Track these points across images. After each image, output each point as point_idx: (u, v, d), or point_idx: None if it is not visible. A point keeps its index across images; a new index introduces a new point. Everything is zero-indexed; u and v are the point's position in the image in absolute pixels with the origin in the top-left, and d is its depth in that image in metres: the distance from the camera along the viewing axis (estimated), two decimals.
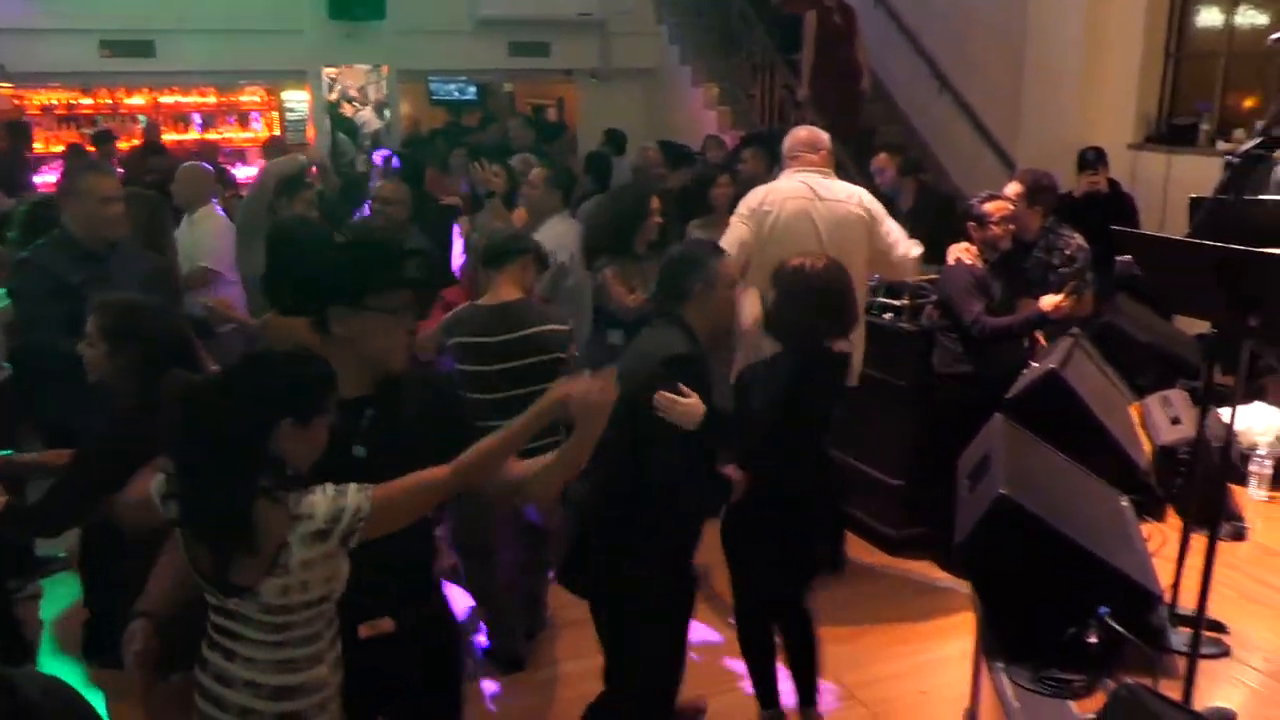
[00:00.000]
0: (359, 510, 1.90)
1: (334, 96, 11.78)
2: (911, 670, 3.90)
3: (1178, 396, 4.29)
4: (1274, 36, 2.77)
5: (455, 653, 2.47)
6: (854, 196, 4.22)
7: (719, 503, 3.22)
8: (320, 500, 1.89)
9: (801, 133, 4.37)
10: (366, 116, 12.25)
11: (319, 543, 1.88)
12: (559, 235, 4.58)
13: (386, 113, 11.59)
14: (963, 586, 3.96)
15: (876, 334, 4.52)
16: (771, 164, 5.58)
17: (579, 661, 3.74)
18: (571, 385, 2.07)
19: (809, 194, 4.15)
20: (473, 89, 14.09)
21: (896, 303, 4.69)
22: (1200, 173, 5.26)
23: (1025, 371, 4.10)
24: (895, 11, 9.12)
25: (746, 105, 9.16)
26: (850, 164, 7.71)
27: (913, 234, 5.16)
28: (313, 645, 1.97)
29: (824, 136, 4.33)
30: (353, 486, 1.92)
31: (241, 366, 2.05)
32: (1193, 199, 3.41)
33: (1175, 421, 4.05)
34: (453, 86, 14.24)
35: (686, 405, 2.74)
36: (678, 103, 10.18)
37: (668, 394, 2.73)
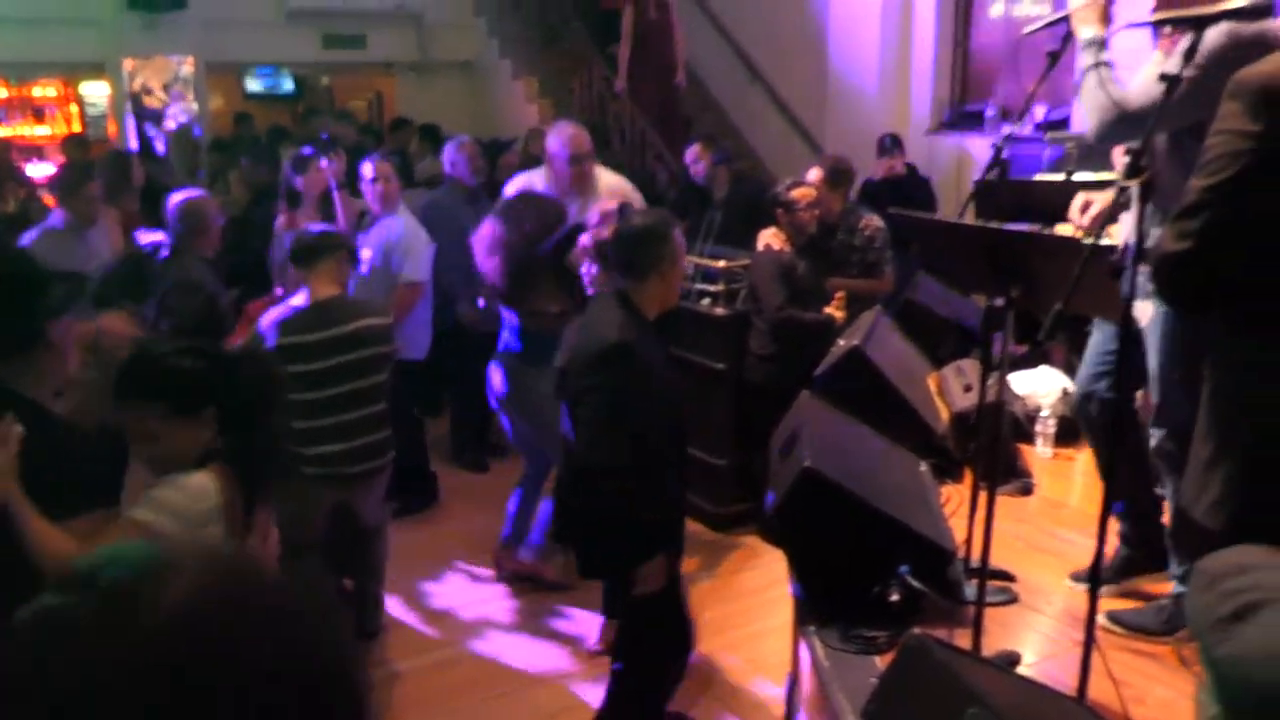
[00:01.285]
0: None
1: (137, 88, 11.19)
2: (740, 641, 4.05)
3: (969, 365, 4.61)
4: (1027, 29, 3.00)
5: None
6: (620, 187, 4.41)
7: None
8: None
9: (568, 129, 4.50)
10: (174, 110, 11.68)
11: None
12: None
13: (194, 105, 11.08)
14: (785, 558, 4.15)
15: (694, 319, 4.67)
16: None
17: (410, 661, 3.74)
18: None
19: None
20: (290, 82, 13.65)
21: (712, 288, 4.85)
22: (988, 155, 5.66)
23: (832, 349, 4.32)
24: (707, 5, 9.34)
25: (567, 98, 9.22)
26: (667, 154, 7.89)
27: (726, 221, 5.35)
28: None
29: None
30: None
31: None
32: (976, 181, 3.66)
33: (968, 389, 4.35)
34: (268, 79, 13.76)
35: None
36: (499, 96, 10.15)
37: None
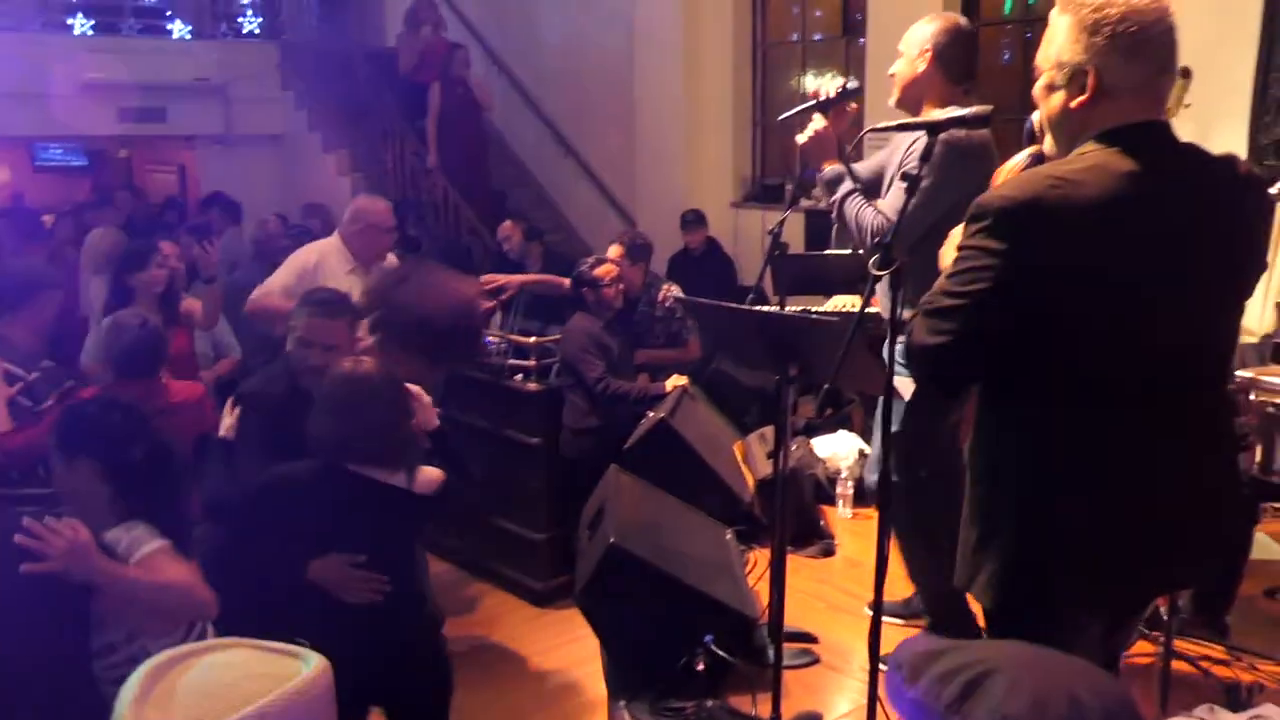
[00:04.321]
0: None
1: None
2: (557, 718, 4.05)
3: (772, 433, 4.80)
4: (782, 116, 3.25)
5: None
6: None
7: None
8: None
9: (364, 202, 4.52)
10: None
11: None
12: None
13: None
14: None
15: (507, 395, 4.70)
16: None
17: None
18: None
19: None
20: (82, 156, 13.08)
21: (525, 363, 4.89)
22: (788, 226, 5.95)
23: (642, 421, 4.43)
24: (517, 80, 9.52)
25: (380, 172, 9.17)
26: (481, 227, 7.95)
27: (538, 297, 5.43)
28: None
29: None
30: None
31: None
32: (765, 259, 3.83)
33: (770, 456, 4.53)
34: (59, 152, 13.14)
35: None
36: (309, 169, 9.98)
37: None
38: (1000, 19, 6.71)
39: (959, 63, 3.11)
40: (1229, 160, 1.88)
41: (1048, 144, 1.91)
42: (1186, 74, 4.48)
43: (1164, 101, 1.83)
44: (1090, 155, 1.77)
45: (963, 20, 3.14)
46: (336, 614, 2.46)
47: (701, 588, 3.13)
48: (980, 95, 5.99)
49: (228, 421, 2.76)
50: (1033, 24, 6.12)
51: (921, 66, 3.09)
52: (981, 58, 6.68)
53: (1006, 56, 6.88)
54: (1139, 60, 1.75)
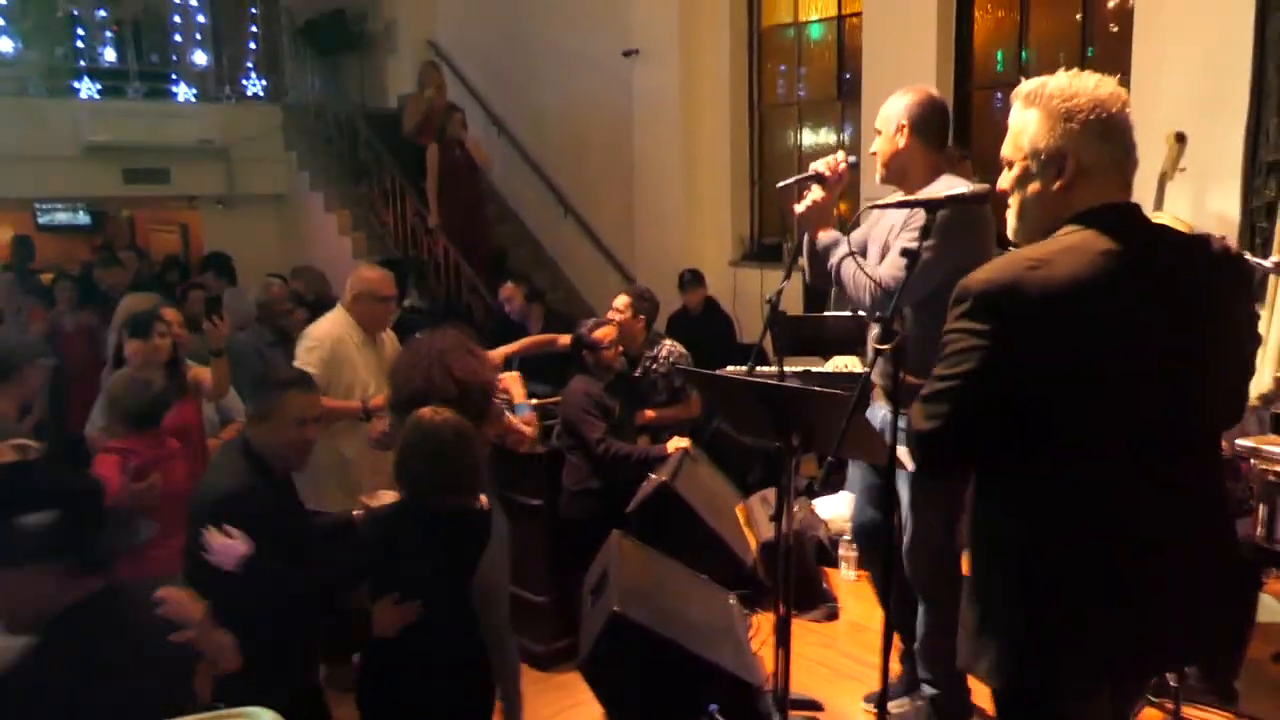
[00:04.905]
0: None
1: None
2: None
3: (774, 495, 4.80)
4: (780, 184, 3.31)
5: None
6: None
7: None
8: None
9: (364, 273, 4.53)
10: None
11: None
12: None
13: None
14: None
15: (507, 456, 4.70)
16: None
17: None
18: None
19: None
20: (85, 215, 13.17)
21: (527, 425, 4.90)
22: (788, 289, 6.00)
23: (644, 484, 4.42)
24: (518, 141, 9.64)
25: (381, 231, 9.24)
26: (482, 287, 8.00)
27: (540, 357, 5.46)
28: None
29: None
30: None
31: None
32: (765, 325, 3.84)
33: (774, 519, 4.52)
34: (62, 212, 13.24)
35: None
36: (311, 229, 10.07)
37: None
38: (993, 80, 6.82)
39: (935, 131, 3.18)
40: (1203, 238, 1.96)
41: (1014, 232, 1.98)
42: (1181, 138, 4.56)
43: (1130, 184, 1.91)
44: (1067, 237, 1.84)
45: (932, 90, 3.21)
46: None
47: (705, 655, 3.12)
48: (976, 156, 6.11)
49: (226, 543, 2.66)
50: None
51: (901, 141, 3.16)
52: (976, 118, 6.84)
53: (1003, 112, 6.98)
54: (1110, 143, 1.85)
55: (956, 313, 1.82)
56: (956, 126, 6.71)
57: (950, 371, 1.80)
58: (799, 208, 3.12)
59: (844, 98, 7.70)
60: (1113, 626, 1.80)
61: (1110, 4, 6.13)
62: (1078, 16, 6.27)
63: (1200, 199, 5.04)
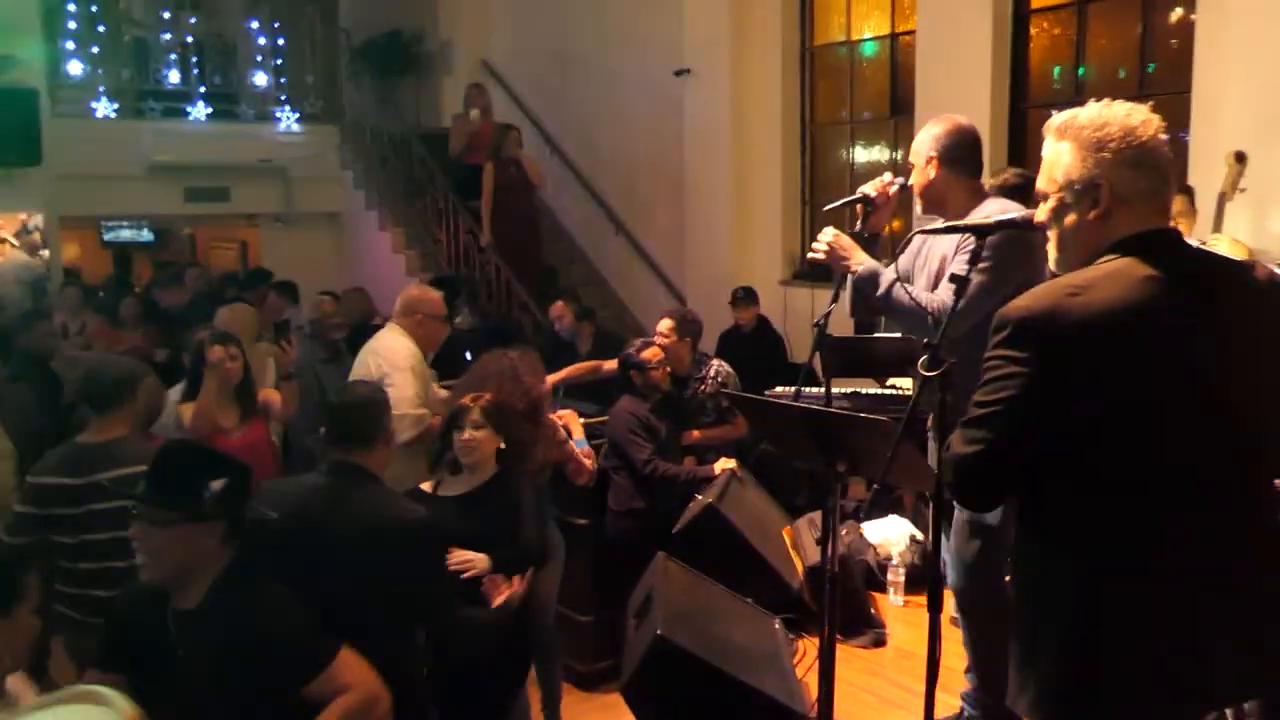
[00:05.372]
0: None
1: None
2: None
3: (822, 518, 4.75)
4: (827, 207, 3.29)
5: None
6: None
7: None
8: None
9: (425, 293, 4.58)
10: (22, 259, 11.32)
11: None
12: None
13: (45, 253, 10.79)
14: None
15: (555, 475, 4.70)
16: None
17: None
18: None
19: None
20: (148, 232, 13.48)
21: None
22: (837, 311, 5.97)
23: (690, 505, 4.41)
24: (570, 159, 9.69)
25: (434, 249, 9.35)
26: (532, 304, 8.04)
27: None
28: None
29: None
30: None
31: None
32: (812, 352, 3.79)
33: (820, 542, 4.47)
34: (126, 229, 13.56)
35: None
36: (366, 246, 10.22)
37: None
38: (1050, 98, 6.72)
39: (966, 160, 3.17)
40: (1248, 265, 1.96)
41: (1055, 263, 1.97)
42: (1241, 158, 4.45)
43: (1169, 211, 1.90)
44: (1107, 264, 1.83)
45: (961, 119, 3.18)
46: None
47: (749, 681, 3.09)
48: (1034, 175, 6.02)
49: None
50: (1083, 98, 6.08)
51: (932, 173, 3.14)
52: (1032, 137, 6.73)
53: None
54: (1144, 171, 1.84)
55: (996, 340, 1.81)
56: (1011, 145, 6.63)
57: (990, 398, 1.79)
58: (812, 255, 3.17)
59: (897, 116, 7.64)
60: (1156, 667, 1.76)
61: (1172, 19, 6.02)
62: (1138, 31, 6.16)
63: (1261, 220, 4.92)
